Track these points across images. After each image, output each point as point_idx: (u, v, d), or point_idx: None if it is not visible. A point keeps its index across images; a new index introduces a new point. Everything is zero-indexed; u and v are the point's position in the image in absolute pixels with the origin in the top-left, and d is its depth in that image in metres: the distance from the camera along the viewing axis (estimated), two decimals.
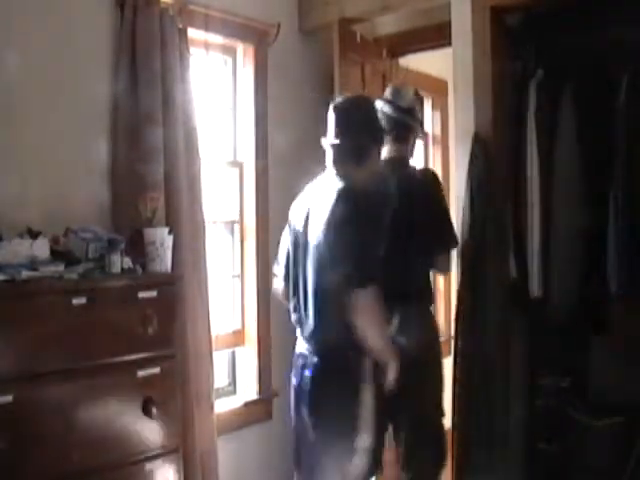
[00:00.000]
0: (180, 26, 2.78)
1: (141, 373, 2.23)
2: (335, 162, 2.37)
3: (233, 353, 3.30)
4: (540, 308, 2.87)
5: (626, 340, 2.82)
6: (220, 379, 3.14)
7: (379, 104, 2.66)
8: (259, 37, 3.27)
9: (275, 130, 3.28)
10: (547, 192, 2.85)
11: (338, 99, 2.51)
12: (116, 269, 2.25)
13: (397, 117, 2.67)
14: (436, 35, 3.28)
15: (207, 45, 2.99)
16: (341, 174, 2.33)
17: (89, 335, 2.11)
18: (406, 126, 2.69)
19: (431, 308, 2.77)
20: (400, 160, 2.71)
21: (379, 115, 2.55)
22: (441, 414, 2.68)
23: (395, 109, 2.66)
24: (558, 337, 3.06)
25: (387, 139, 2.61)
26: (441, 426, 2.70)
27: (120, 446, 2.17)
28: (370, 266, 2.15)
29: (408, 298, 2.57)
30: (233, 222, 3.31)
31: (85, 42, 2.56)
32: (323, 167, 2.44)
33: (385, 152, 2.64)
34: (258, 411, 3.23)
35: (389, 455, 2.68)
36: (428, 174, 2.87)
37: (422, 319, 2.66)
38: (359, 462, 2.24)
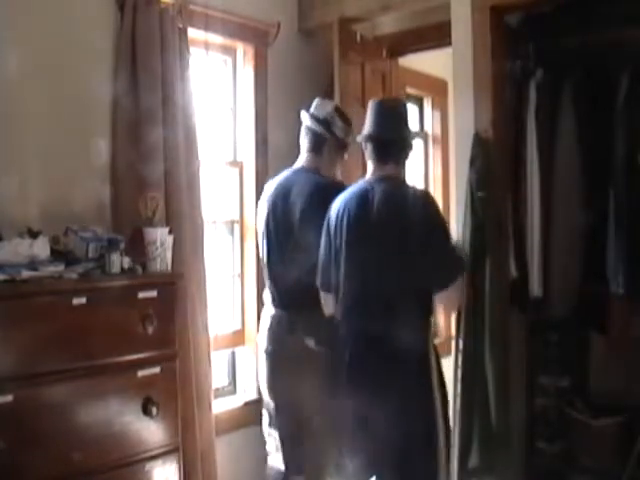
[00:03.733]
0: (180, 26, 2.78)
1: (141, 373, 2.23)
2: (380, 158, 2.43)
3: (233, 353, 3.30)
4: (540, 308, 2.87)
5: (626, 340, 2.82)
6: (220, 379, 3.14)
7: (302, 115, 2.72)
8: (259, 37, 3.26)
9: (275, 130, 3.28)
10: (547, 192, 2.85)
11: (381, 101, 2.62)
12: (116, 269, 2.24)
13: (310, 126, 2.68)
14: (436, 35, 3.28)
15: (207, 45, 2.99)
16: (394, 176, 2.42)
17: (89, 335, 2.11)
18: (317, 135, 2.67)
19: None
20: (313, 170, 2.68)
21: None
22: None
23: (311, 118, 2.68)
24: (558, 337, 3.06)
25: (305, 149, 2.69)
26: None
27: (120, 446, 2.17)
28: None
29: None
30: (233, 222, 3.31)
31: (85, 42, 2.56)
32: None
33: (299, 161, 2.71)
34: (258, 411, 3.21)
35: None
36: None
37: None
38: None
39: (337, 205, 2.43)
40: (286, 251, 2.59)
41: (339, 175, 2.81)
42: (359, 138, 2.50)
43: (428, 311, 2.43)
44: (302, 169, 2.69)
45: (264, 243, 2.68)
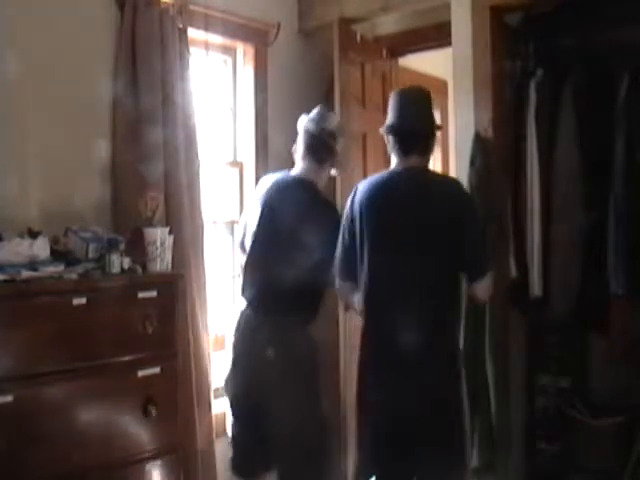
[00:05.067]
0: (180, 26, 2.78)
1: (141, 373, 2.23)
2: (403, 150, 2.36)
3: None
4: (540, 308, 2.87)
5: (626, 340, 2.81)
6: (218, 380, 3.14)
7: (303, 121, 2.65)
8: (259, 37, 3.27)
9: (275, 130, 3.29)
10: (547, 192, 2.85)
11: (405, 90, 2.54)
12: (116, 269, 2.24)
13: (319, 137, 2.60)
14: (436, 35, 3.28)
15: (207, 45, 2.99)
16: (420, 166, 2.37)
17: (89, 335, 2.11)
18: (326, 148, 2.62)
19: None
20: (310, 184, 2.63)
21: (301, 133, 2.62)
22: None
23: (321, 130, 2.60)
24: (558, 337, 3.06)
25: (305, 158, 2.62)
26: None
27: (120, 446, 2.17)
28: None
29: None
30: (233, 222, 3.31)
31: (85, 42, 2.56)
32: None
33: (297, 168, 2.66)
34: None
35: None
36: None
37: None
38: None
39: (361, 196, 2.37)
40: (276, 259, 2.55)
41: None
42: (381, 130, 2.42)
43: (460, 303, 2.39)
44: (301, 182, 2.63)
45: (254, 244, 2.64)
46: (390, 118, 2.39)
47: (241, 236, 2.78)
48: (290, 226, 2.53)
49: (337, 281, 2.48)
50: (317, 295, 2.63)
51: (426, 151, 2.40)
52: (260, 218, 2.62)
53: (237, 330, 2.63)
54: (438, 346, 2.26)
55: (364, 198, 2.36)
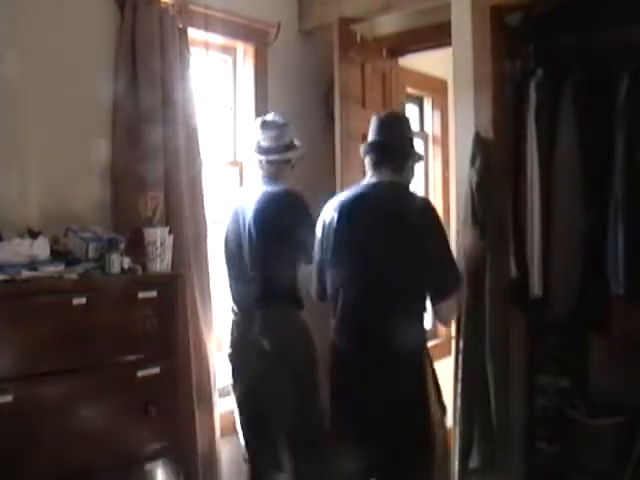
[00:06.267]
0: (180, 26, 2.78)
1: (141, 373, 2.23)
2: (375, 163, 2.43)
3: None
4: (540, 308, 2.87)
5: (626, 340, 2.81)
6: (222, 379, 3.13)
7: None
8: (259, 37, 3.27)
9: None
10: (547, 192, 2.85)
11: (382, 113, 2.64)
12: (116, 269, 2.24)
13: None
14: (436, 35, 3.28)
15: (207, 45, 2.99)
16: (391, 181, 2.40)
17: (89, 335, 2.11)
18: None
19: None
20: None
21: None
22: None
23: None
24: (558, 337, 3.06)
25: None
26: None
27: (120, 446, 2.17)
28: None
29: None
30: None
31: (85, 42, 2.56)
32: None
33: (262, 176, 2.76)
34: None
35: None
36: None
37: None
38: None
39: (331, 208, 2.43)
40: (263, 255, 2.64)
41: None
42: (361, 151, 2.50)
43: (423, 315, 2.40)
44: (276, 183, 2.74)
45: (244, 245, 2.70)
46: (368, 138, 2.48)
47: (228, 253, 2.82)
48: (262, 225, 2.64)
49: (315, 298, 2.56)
50: (295, 279, 2.69)
51: (399, 168, 2.43)
52: (249, 224, 2.70)
53: (231, 333, 2.73)
54: (401, 357, 2.27)
55: (334, 212, 2.40)
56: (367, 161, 2.47)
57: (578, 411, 2.98)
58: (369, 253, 2.33)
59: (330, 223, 2.40)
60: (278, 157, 2.73)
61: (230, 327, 2.75)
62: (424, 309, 2.37)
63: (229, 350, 2.76)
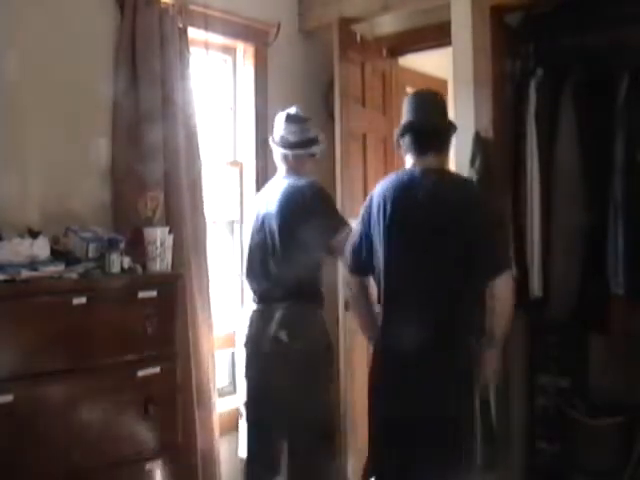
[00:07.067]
0: (180, 26, 2.78)
1: (141, 373, 2.23)
2: (420, 149, 2.34)
3: (233, 353, 3.30)
4: (540, 308, 2.87)
5: (626, 340, 2.82)
6: (220, 379, 3.14)
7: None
8: (259, 37, 3.27)
9: None
10: (547, 192, 2.85)
11: (417, 91, 2.58)
12: (116, 269, 2.24)
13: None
14: (436, 35, 3.28)
15: (207, 45, 2.99)
16: (437, 166, 2.35)
17: (89, 335, 2.11)
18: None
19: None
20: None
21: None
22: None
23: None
24: (558, 337, 3.06)
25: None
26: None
27: (120, 446, 2.17)
28: None
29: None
30: (233, 222, 3.31)
31: (85, 42, 2.56)
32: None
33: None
34: None
35: None
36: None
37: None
38: None
39: (378, 193, 2.36)
40: (283, 249, 2.62)
41: None
42: (395, 132, 2.41)
43: (477, 306, 2.30)
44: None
45: (267, 239, 2.68)
46: (405, 118, 2.37)
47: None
48: (283, 221, 2.62)
49: (347, 273, 2.54)
50: (319, 278, 2.71)
51: (442, 150, 2.37)
52: (266, 218, 2.70)
53: (250, 326, 2.70)
54: (447, 360, 2.20)
55: (382, 194, 2.34)
56: (407, 145, 2.36)
57: (578, 411, 2.98)
58: (416, 241, 2.27)
59: (378, 204, 2.33)
60: (304, 151, 2.71)
61: (249, 321, 2.70)
62: (475, 306, 2.28)
63: (245, 342, 2.71)
